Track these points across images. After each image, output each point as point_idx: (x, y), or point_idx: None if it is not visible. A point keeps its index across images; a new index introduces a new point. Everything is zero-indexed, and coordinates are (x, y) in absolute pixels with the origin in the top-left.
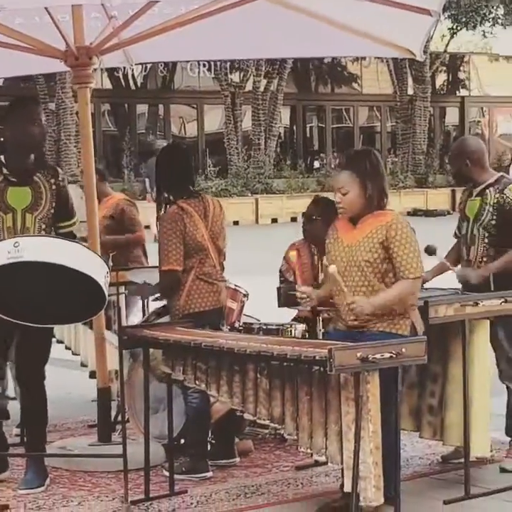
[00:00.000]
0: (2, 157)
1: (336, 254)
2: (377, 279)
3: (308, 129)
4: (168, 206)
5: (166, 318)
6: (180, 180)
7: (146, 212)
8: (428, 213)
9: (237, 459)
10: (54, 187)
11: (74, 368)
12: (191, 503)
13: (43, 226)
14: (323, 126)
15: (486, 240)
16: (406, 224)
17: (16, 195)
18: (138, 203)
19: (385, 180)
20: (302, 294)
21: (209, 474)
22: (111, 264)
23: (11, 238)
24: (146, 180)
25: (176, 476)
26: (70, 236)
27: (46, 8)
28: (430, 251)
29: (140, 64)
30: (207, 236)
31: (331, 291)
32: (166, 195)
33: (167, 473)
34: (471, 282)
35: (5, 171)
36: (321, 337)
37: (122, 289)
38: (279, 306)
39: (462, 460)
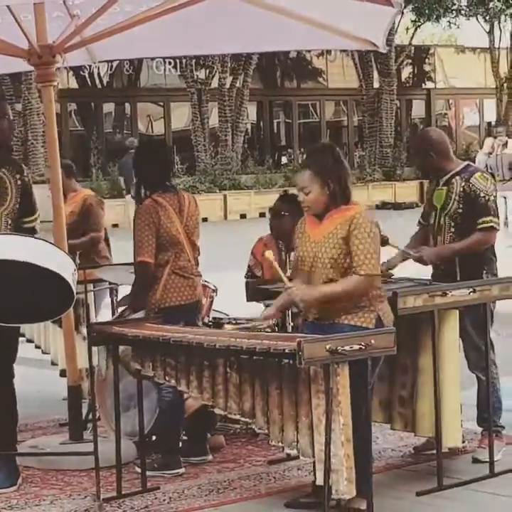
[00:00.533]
0: None
1: (303, 249)
2: (342, 275)
3: (275, 125)
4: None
5: (140, 313)
6: (156, 175)
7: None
8: (396, 206)
9: (210, 457)
10: (19, 182)
11: (44, 366)
12: (164, 500)
13: (9, 221)
14: (290, 121)
15: (452, 230)
16: (368, 220)
17: None
18: (106, 201)
19: (347, 175)
20: (265, 322)
21: (181, 470)
22: (78, 261)
23: None
24: (121, 178)
25: (148, 473)
26: (33, 231)
27: (8, 8)
28: (382, 242)
29: (104, 62)
30: (182, 230)
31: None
32: (144, 190)
33: (139, 470)
34: (425, 259)
35: None
36: (290, 330)
37: (91, 286)
38: (247, 301)
39: (434, 451)
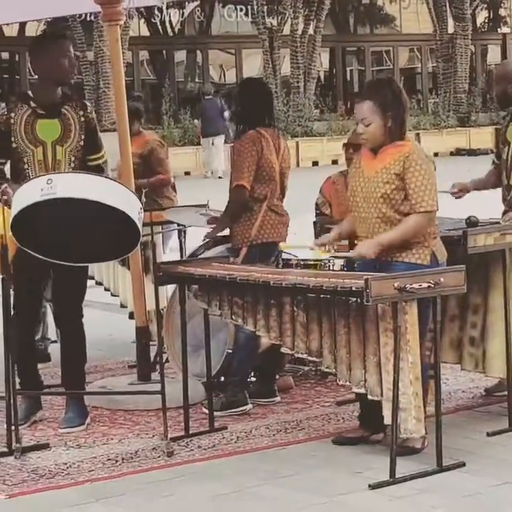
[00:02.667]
0: (29, 91)
1: (355, 185)
2: (394, 210)
3: (348, 72)
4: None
5: (221, 248)
6: (260, 111)
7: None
8: (471, 152)
9: (278, 398)
10: (82, 119)
11: (115, 310)
12: (231, 439)
13: (73, 158)
14: (363, 68)
15: None
16: (423, 156)
17: (45, 128)
18: (178, 148)
19: (406, 110)
20: (322, 246)
21: (248, 407)
22: (144, 200)
23: (44, 174)
24: (197, 121)
25: (215, 414)
26: (99, 169)
27: None
28: (472, 223)
29: (172, 2)
30: (277, 168)
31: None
32: (245, 126)
33: (207, 411)
34: None
35: (33, 103)
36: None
37: (158, 228)
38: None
39: (506, 392)
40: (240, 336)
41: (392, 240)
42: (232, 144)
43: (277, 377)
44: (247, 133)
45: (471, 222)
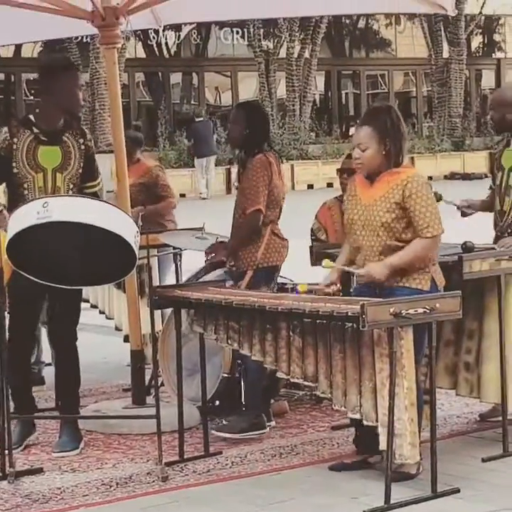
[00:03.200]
0: (32, 116)
1: (353, 212)
2: (395, 239)
3: (343, 95)
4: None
5: (220, 271)
6: (262, 135)
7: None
8: (465, 177)
9: (273, 423)
10: (82, 147)
11: (110, 333)
12: (226, 464)
13: (72, 186)
14: (358, 92)
15: None
16: (422, 181)
17: (47, 155)
18: (173, 171)
19: (404, 138)
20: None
21: (267, 430)
22: (140, 223)
23: (40, 197)
24: (189, 143)
25: (235, 436)
26: (95, 196)
27: None
28: (467, 248)
29: (169, 25)
30: (281, 192)
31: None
32: (251, 150)
33: (218, 434)
34: None
35: (35, 129)
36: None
37: (155, 251)
38: (311, 265)
39: (500, 418)
40: (248, 361)
41: (400, 263)
42: (238, 168)
43: (272, 401)
44: (255, 157)
45: (467, 248)
